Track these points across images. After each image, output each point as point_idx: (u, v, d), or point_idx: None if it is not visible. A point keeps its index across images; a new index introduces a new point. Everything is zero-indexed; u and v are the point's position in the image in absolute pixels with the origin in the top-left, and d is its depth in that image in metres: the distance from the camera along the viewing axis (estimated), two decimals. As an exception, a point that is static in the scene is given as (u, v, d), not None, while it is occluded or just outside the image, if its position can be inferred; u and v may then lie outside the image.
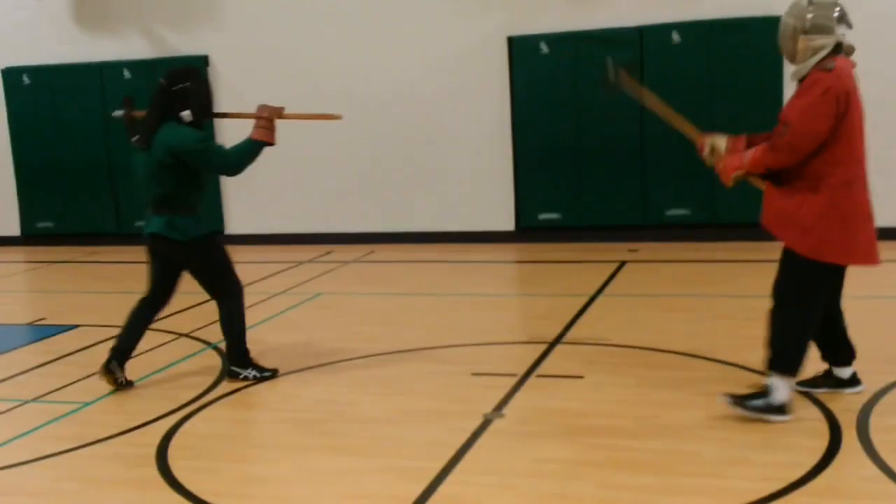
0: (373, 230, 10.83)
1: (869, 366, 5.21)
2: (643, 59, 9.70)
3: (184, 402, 5.28)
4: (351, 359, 6.07)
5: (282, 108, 5.44)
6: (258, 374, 5.67)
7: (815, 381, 4.88)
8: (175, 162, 5.26)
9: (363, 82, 10.57)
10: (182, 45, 11.19)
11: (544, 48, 10.06)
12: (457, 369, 5.69)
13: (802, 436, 4.36)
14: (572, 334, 6.38)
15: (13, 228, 12.11)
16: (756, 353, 5.54)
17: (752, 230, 9.83)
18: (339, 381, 5.64)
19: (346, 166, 10.81)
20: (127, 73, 11.35)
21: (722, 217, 9.64)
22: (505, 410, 4.91)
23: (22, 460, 4.57)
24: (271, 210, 11.20)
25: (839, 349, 4.83)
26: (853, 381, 4.84)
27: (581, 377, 5.42)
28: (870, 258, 4.46)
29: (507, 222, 10.45)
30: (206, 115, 5.45)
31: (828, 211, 4.31)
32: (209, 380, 5.70)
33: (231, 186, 11.31)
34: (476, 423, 4.71)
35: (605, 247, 9.73)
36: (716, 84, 9.55)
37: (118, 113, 5.72)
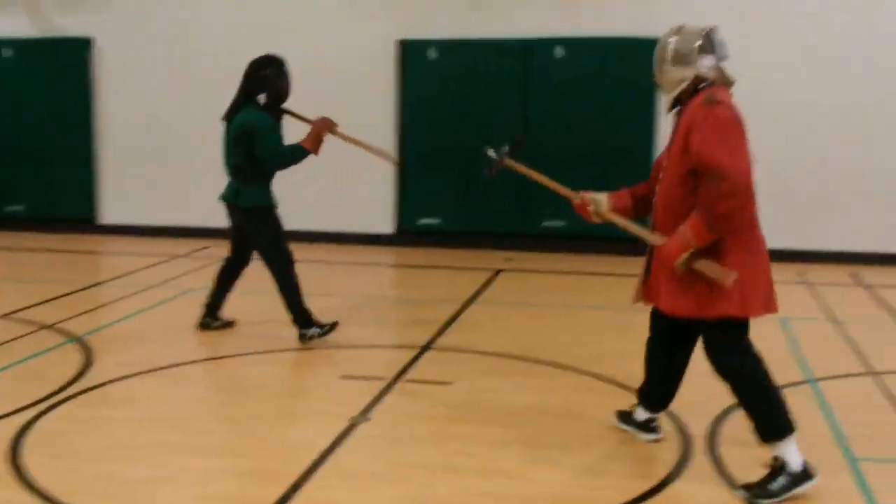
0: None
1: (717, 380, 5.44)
2: (529, 70, 9.89)
3: (41, 396, 5.11)
4: (219, 357, 5.99)
5: (335, 125, 6.17)
6: (320, 332, 6.23)
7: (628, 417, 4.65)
8: (244, 138, 5.97)
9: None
10: (68, 26, 10.82)
11: (434, 54, 10.14)
12: (326, 371, 5.69)
13: (657, 448, 4.52)
14: (444, 340, 6.45)
15: None
16: (620, 364, 5.76)
17: (625, 244, 10.20)
18: (205, 380, 5.57)
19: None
20: (8, 52, 10.92)
21: (596, 230, 9.84)
22: (371, 414, 4.93)
23: None
24: (148, 202, 10.93)
25: (659, 392, 4.49)
26: (649, 427, 4.54)
27: (450, 383, 5.49)
28: (764, 307, 3.99)
29: (386, 225, 10.48)
30: (278, 102, 6.10)
31: (745, 258, 3.89)
32: (70, 373, 5.54)
33: (107, 176, 11.00)
34: (342, 426, 4.71)
35: (483, 254, 9.86)
36: (597, 98, 9.81)
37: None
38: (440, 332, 6.64)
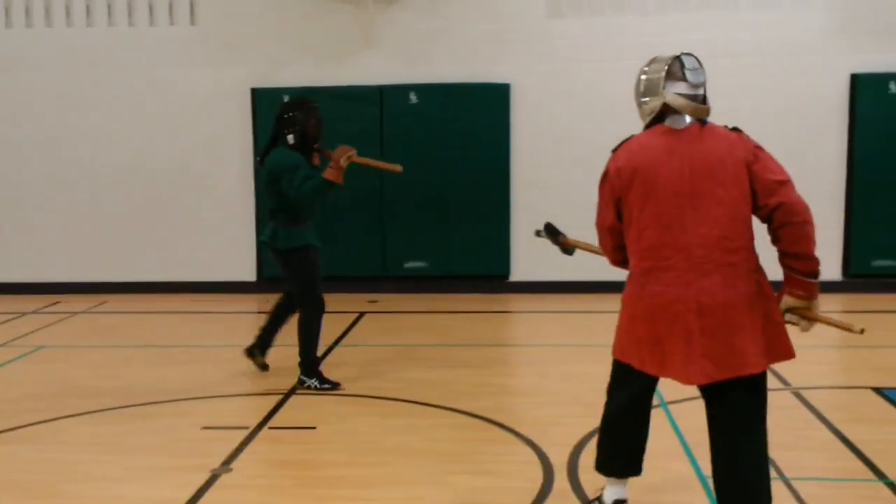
0: (107, 279, 10.36)
1: (578, 409, 5.61)
2: (383, 116, 10.02)
3: None
4: (74, 415, 5.78)
5: (353, 152, 6.13)
6: (318, 385, 6.26)
7: None
8: (274, 180, 6.07)
9: (108, 127, 10.22)
10: None
11: (288, 101, 10.14)
12: (187, 423, 5.56)
13: (520, 479, 4.61)
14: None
15: None
16: (487, 400, 5.87)
17: (483, 282, 10.39)
18: (60, 439, 5.36)
19: (86, 213, 10.33)
20: None
21: (456, 269, 10.05)
22: (234, 464, 4.85)
23: None
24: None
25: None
26: None
27: (314, 428, 5.46)
28: (661, 368, 3.73)
29: (249, 273, 10.36)
30: (308, 141, 6.22)
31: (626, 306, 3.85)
32: None
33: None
34: (203, 478, 4.62)
35: (346, 297, 9.83)
36: (450, 142, 10.01)
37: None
38: (304, 378, 6.59)
